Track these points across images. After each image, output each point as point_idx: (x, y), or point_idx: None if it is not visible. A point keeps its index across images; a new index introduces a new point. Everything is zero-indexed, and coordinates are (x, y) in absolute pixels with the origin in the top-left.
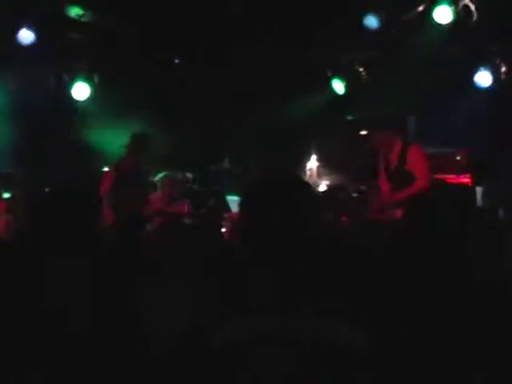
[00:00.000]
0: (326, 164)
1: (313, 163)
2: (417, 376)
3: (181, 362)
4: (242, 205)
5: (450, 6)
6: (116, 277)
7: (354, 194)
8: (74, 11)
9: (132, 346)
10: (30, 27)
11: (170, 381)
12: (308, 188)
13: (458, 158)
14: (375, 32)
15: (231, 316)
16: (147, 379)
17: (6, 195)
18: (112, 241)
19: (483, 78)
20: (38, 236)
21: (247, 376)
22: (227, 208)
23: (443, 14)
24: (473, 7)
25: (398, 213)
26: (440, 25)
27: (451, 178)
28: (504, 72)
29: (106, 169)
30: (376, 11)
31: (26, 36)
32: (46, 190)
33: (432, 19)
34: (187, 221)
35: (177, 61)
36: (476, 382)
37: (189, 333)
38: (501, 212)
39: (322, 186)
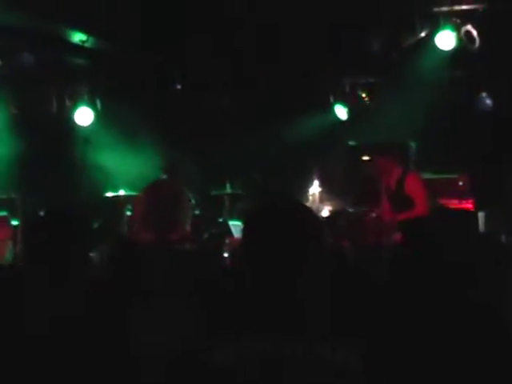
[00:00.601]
0: (328, 189)
1: (315, 188)
2: None
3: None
4: (244, 229)
5: (453, 31)
6: (107, 301)
7: (355, 219)
8: (77, 37)
9: (123, 370)
10: (31, 50)
11: None
12: (309, 213)
13: (461, 183)
14: (377, 57)
15: (225, 338)
16: None
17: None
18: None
19: (484, 103)
20: (30, 261)
21: None
22: (229, 233)
23: (446, 40)
24: (475, 33)
25: (397, 237)
26: (442, 50)
27: (454, 202)
28: (505, 97)
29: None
30: (375, 34)
31: (27, 59)
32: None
33: (434, 45)
34: (188, 246)
35: (178, 86)
36: None
37: (182, 356)
38: (503, 237)
39: (325, 212)
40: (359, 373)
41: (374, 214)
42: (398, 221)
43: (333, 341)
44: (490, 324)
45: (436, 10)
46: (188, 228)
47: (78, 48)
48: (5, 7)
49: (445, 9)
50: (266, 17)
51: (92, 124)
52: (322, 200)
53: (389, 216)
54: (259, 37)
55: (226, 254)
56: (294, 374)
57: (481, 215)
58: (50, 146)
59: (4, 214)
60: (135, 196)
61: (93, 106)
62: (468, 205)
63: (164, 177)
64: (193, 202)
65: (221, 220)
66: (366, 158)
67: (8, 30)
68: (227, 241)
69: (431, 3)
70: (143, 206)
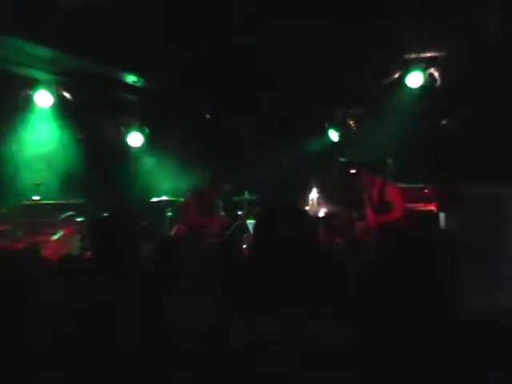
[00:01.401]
0: (324, 196)
1: (314, 195)
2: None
3: (201, 357)
4: (256, 226)
5: (421, 72)
6: (152, 286)
7: (346, 220)
8: (130, 78)
9: (161, 341)
10: (94, 89)
11: (192, 373)
12: (305, 215)
13: (426, 190)
14: (362, 93)
15: (243, 318)
16: (174, 370)
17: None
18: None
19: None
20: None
21: (253, 372)
22: (247, 230)
23: (415, 79)
24: (437, 74)
25: (379, 234)
26: (412, 87)
27: (421, 206)
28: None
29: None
30: (361, 75)
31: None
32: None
33: (405, 83)
34: (215, 240)
35: (208, 116)
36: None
37: (208, 333)
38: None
39: (321, 213)
40: (349, 348)
41: (361, 217)
42: (380, 222)
43: (328, 319)
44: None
45: (407, 56)
46: (216, 226)
47: (130, 87)
48: (75, 55)
49: (414, 55)
50: (275, 65)
51: (141, 145)
52: (319, 204)
53: (372, 218)
54: (273, 81)
55: (244, 246)
56: (298, 348)
57: (441, 215)
58: (109, 163)
59: (71, 213)
60: (175, 201)
61: (142, 131)
62: (432, 207)
63: (202, 186)
64: (221, 205)
65: (240, 220)
66: (353, 171)
67: (75, 73)
68: (245, 235)
69: (403, 51)
70: (184, 209)
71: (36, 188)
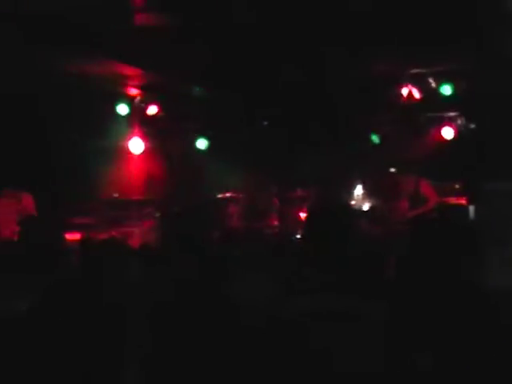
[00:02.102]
0: (368, 191)
1: (359, 191)
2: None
3: (259, 331)
4: (307, 217)
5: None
6: (217, 269)
7: (386, 212)
8: (196, 90)
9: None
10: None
11: (249, 345)
12: (349, 208)
13: (457, 186)
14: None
15: (296, 297)
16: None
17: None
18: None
19: (447, 132)
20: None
21: (309, 346)
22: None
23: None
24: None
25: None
26: None
27: (454, 199)
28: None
29: None
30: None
31: (152, 109)
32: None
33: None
34: (269, 231)
35: (265, 123)
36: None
37: (267, 310)
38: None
39: (366, 206)
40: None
41: (399, 209)
42: (415, 214)
43: (367, 298)
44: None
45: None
46: (270, 219)
47: (196, 97)
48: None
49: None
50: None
51: (207, 148)
52: (364, 198)
53: (409, 210)
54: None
55: (298, 236)
56: (344, 323)
57: (471, 208)
58: (179, 164)
59: (149, 208)
60: (237, 196)
61: (207, 136)
62: (462, 201)
63: (257, 184)
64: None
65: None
66: (391, 170)
67: (152, 87)
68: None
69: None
70: (241, 204)
71: (116, 186)
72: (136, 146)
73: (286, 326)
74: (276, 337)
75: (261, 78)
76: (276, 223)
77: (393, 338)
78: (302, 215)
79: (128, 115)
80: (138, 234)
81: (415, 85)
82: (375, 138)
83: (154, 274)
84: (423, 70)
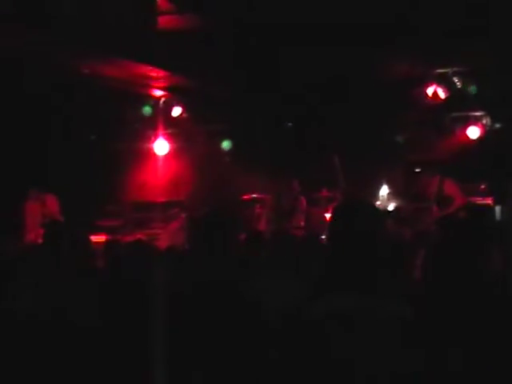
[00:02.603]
0: (393, 191)
1: (384, 191)
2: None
3: (285, 330)
4: (332, 219)
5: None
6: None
7: (411, 213)
8: (222, 93)
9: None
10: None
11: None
12: (374, 208)
13: (483, 187)
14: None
15: (319, 298)
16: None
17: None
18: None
19: (473, 132)
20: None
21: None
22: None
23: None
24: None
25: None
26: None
27: (479, 199)
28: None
29: None
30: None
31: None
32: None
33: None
34: (297, 233)
35: (290, 124)
36: None
37: (290, 310)
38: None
39: (391, 207)
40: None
41: (424, 209)
42: (441, 214)
43: (392, 297)
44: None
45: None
46: (298, 220)
47: (223, 100)
48: (181, 75)
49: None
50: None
51: (232, 149)
52: (389, 199)
53: (434, 211)
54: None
55: (323, 237)
56: (368, 323)
57: (497, 208)
58: (204, 165)
59: (176, 209)
60: (263, 198)
61: (232, 139)
62: (489, 201)
63: (283, 186)
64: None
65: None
66: (416, 170)
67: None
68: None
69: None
70: (267, 205)
71: (142, 188)
72: (161, 147)
73: (312, 326)
74: (303, 338)
75: (286, 79)
76: (302, 224)
77: (420, 339)
78: (327, 216)
79: (153, 117)
80: (164, 235)
81: (440, 84)
82: (400, 138)
83: (181, 275)
84: (448, 70)
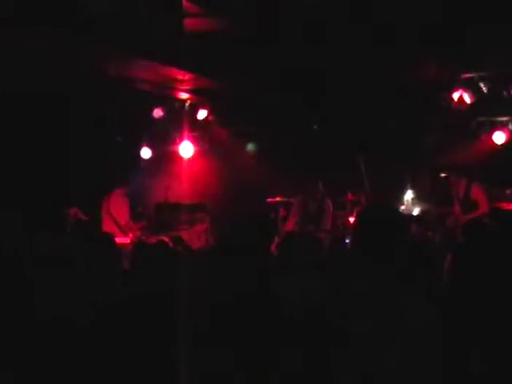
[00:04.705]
0: (417, 196)
1: (409, 195)
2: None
3: (304, 327)
4: (356, 221)
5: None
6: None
7: (436, 216)
8: (248, 94)
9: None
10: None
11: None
12: (397, 212)
13: (509, 191)
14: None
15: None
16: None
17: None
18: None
19: (499, 137)
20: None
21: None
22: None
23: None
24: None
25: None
26: None
27: (505, 205)
28: None
29: None
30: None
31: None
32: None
33: None
34: (322, 234)
35: (315, 127)
36: None
37: (309, 306)
38: None
39: (415, 211)
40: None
41: (450, 214)
42: (466, 218)
43: (417, 297)
44: None
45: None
46: (326, 224)
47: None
48: (205, 77)
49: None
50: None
51: (258, 152)
52: (413, 203)
53: (459, 215)
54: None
55: (347, 240)
56: (393, 321)
57: None
58: (230, 168)
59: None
60: (288, 200)
61: (256, 141)
62: None
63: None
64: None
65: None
66: (443, 174)
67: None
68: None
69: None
70: (294, 208)
71: (166, 190)
72: (186, 149)
73: (337, 326)
74: (329, 337)
75: (312, 82)
76: (329, 227)
77: (447, 341)
78: (351, 219)
79: (178, 119)
80: (189, 237)
81: (466, 89)
82: (425, 143)
83: (208, 277)
84: (474, 74)
